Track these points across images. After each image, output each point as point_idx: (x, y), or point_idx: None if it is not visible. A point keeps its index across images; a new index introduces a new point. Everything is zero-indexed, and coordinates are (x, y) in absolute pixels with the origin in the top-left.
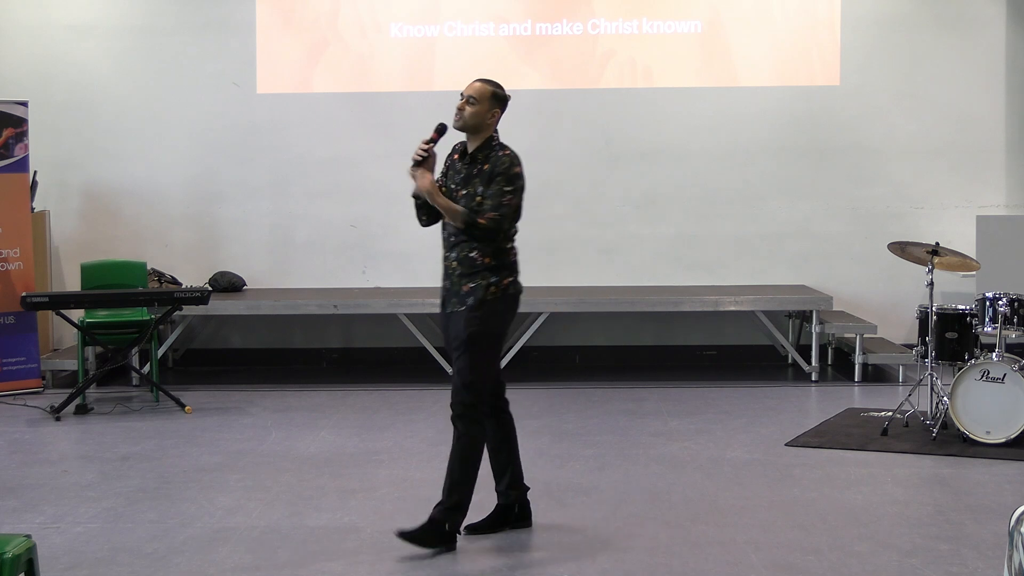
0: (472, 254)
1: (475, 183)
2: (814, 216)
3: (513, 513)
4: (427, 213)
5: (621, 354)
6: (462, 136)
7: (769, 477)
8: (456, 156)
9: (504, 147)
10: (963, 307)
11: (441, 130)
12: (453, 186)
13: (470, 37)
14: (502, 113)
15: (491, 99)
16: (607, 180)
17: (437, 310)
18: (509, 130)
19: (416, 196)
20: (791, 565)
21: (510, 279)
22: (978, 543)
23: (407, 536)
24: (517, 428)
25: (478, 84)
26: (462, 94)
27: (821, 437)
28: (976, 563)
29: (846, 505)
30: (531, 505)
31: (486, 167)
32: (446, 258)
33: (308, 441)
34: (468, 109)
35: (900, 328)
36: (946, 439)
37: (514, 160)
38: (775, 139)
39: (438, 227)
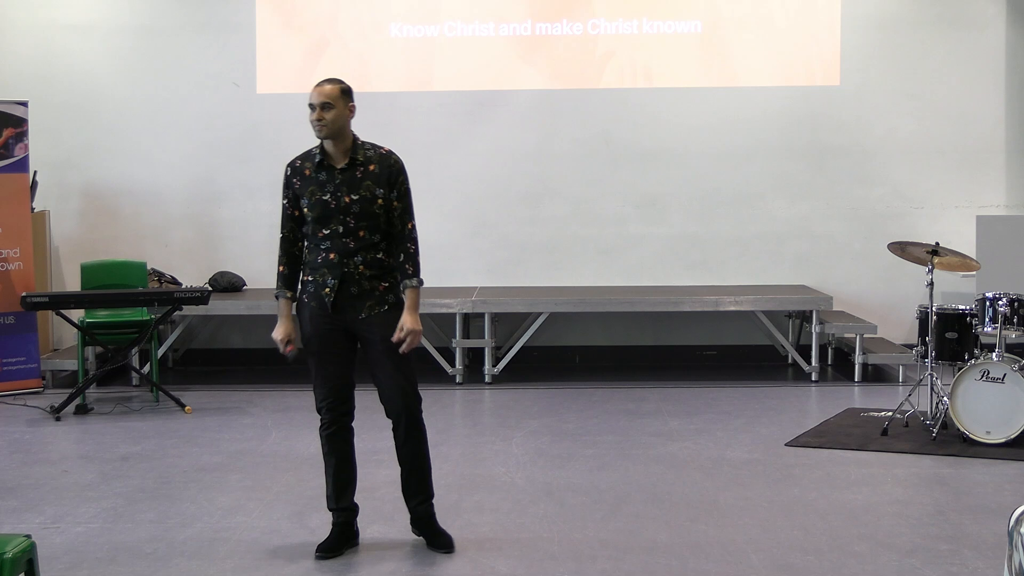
0: (379, 255)
1: (367, 186)
2: (814, 216)
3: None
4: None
5: (621, 354)
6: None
7: (769, 477)
8: (308, 171)
9: (379, 145)
10: (963, 307)
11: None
12: (327, 197)
13: (470, 37)
14: (354, 107)
15: (343, 97)
16: (607, 180)
17: (438, 310)
18: (509, 130)
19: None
20: (791, 565)
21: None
22: (978, 543)
23: (450, 548)
24: (518, 428)
25: (327, 87)
26: (313, 104)
27: (821, 437)
28: (976, 563)
29: (846, 505)
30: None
31: (372, 168)
32: (344, 263)
33: (308, 441)
34: (328, 115)
35: (900, 328)
36: (946, 439)
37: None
38: (775, 139)
39: (437, 228)
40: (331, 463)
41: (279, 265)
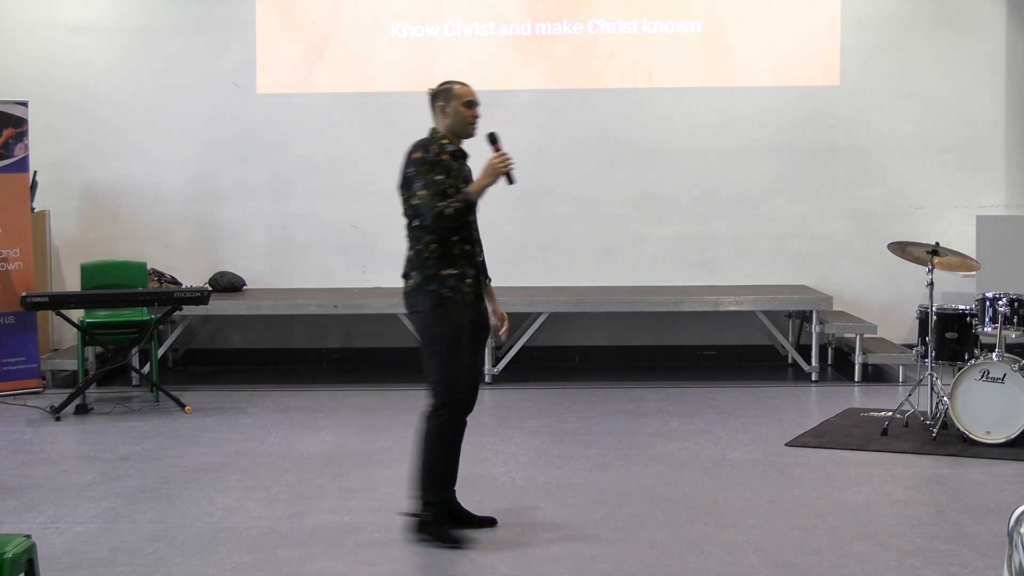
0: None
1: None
2: (814, 216)
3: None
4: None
5: (621, 354)
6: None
7: (769, 477)
8: (447, 157)
9: None
10: (963, 307)
11: (493, 138)
12: (463, 185)
13: (470, 37)
14: None
15: None
16: (607, 180)
17: None
18: (509, 130)
19: (472, 199)
20: (791, 565)
21: None
22: (978, 543)
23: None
24: (518, 428)
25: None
26: (474, 102)
27: (821, 437)
28: (976, 563)
29: (846, 505)
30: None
31: (468, 158)
32: (476, 253)
33: (308, 441)
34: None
35: (900, 328)
36: (946, 439)
37: None
38: (775, 139)
39: None
40: (451, 453)
41: (451, 206)
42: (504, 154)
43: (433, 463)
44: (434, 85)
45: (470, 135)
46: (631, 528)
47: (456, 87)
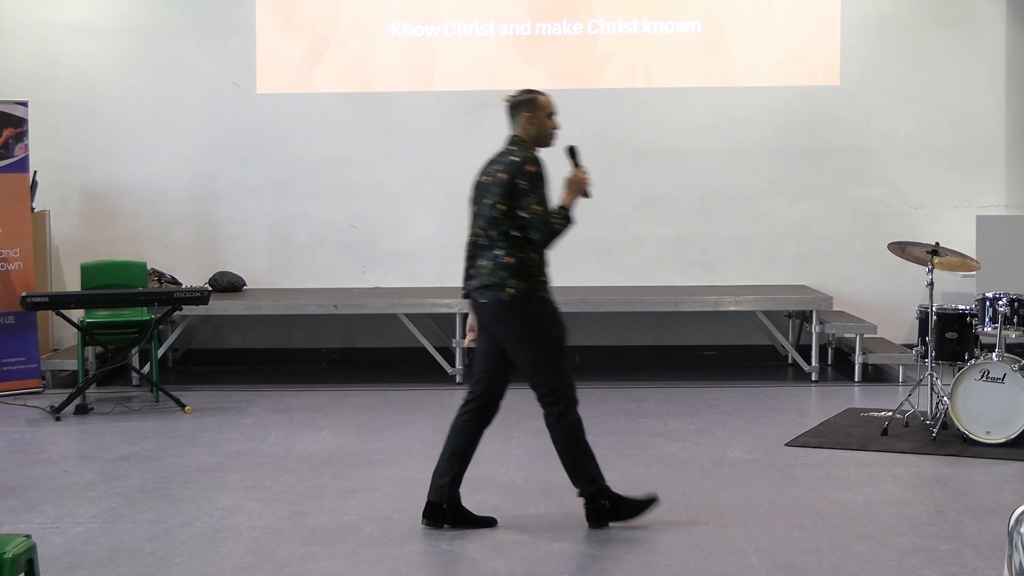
0: None
1: None
2: (814, 216)
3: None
4: None
5: (621, 354)
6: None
7: (769, 477)
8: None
9: None
10: (963, 307)
11: (573, 152)
12: None
13: (470, 37)
14: None
15: None
16: (607, 180)
17: (438, 310)
18: (508, 130)
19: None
20: (791, 565)
21: None
22: (978, 543)
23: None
24: (518, 428)
25: None
26: (555, 112)
27: (821, 437)
28: (976, 563)
29: (846, 505)
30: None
31: None
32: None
33: (308, 441)
34: None
35: (900, 328)
36: (946, 439)
37: None
38: (775, 139)
39: (438, 228)
40: (586, 440)
41: (559, 223)
42: (585, 168)
43: (581, 458)
44: (435, 85)
45: (550, 146)
46: (631, 528)
47: (541, 98)
